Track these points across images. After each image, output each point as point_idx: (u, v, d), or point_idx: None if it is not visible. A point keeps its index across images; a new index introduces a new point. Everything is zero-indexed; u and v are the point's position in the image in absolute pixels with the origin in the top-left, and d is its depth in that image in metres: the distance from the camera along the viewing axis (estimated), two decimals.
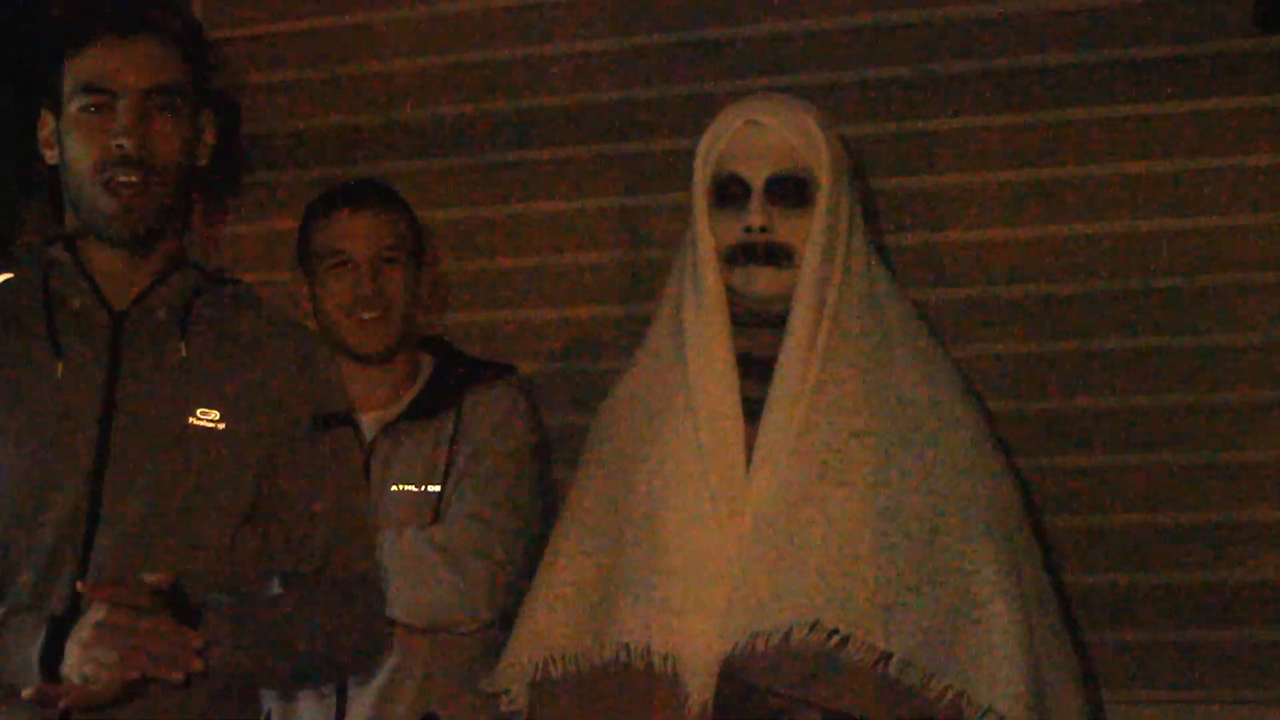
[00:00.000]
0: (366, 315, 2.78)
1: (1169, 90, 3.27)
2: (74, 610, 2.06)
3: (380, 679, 2.68)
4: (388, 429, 2.80)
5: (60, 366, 2.15)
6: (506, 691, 2.42)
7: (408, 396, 2.84)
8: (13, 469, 2.12)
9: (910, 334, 2.36)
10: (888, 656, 2.17)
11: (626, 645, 2.29)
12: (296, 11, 3.76)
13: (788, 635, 2.19)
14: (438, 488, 2.77)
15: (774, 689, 2.20)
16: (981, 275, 3.34)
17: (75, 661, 1.99)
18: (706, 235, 2.37)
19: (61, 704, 2.00)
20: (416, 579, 2.64)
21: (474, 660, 2.73)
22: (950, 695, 2.16)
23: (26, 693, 2.00)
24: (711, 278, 2.35)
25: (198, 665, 2.01)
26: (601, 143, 3.58)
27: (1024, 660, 2.19)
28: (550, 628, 2.38)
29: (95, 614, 1.99)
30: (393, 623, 2.63)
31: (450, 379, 2.86)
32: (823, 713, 2.19)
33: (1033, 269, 3.33)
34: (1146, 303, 3.27)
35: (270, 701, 2.64)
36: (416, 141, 3.68)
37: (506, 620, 2.61)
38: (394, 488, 2.76)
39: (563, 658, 2.36)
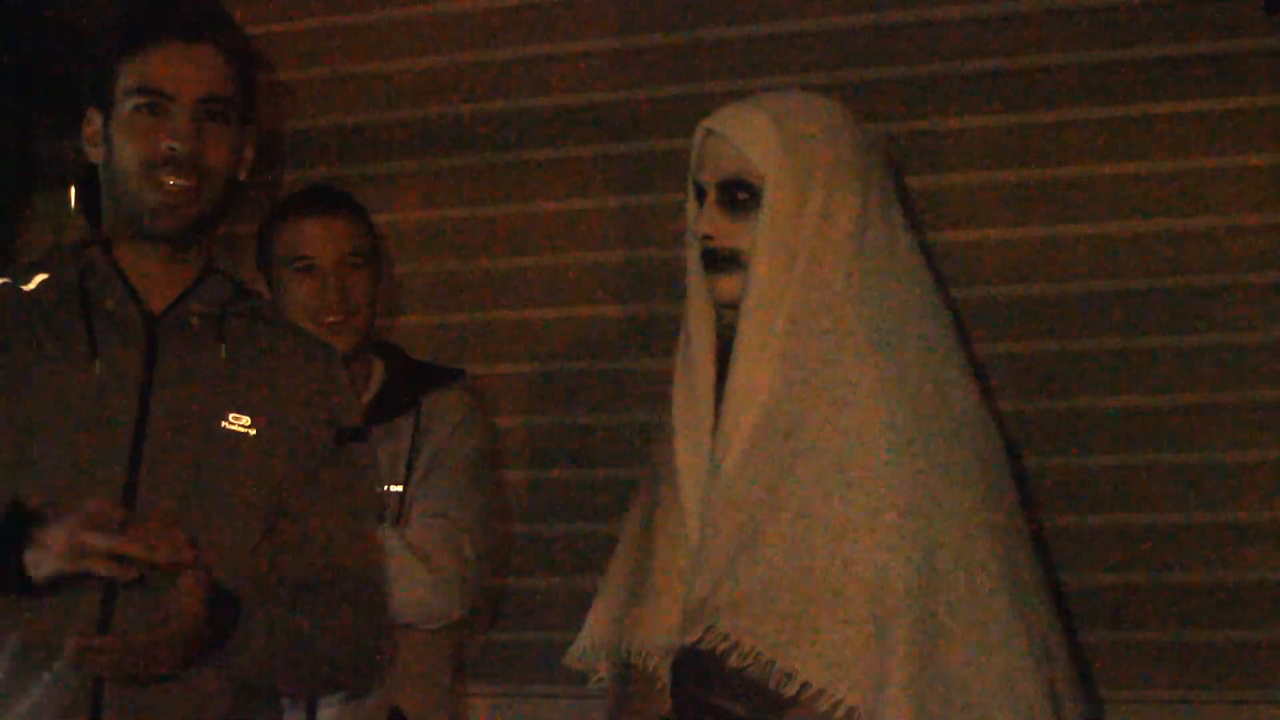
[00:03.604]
0: (331, 320, 2.80)
1: (1169, 90, 3.27)
2: (110, 598, 2.07)
3: None
4: None
5: (97, 366, 2.16)
6: (594, 670, 2.46)
7: (364, 399, 2.85)
8: (49, 467, 2.13)
9: (890, 336, 2.30)
10: (771, 665, 2.15)
11: (622, 636, 2.34)
12: (296, 11, 3.76)
13: (702, 637, 2.20)
14: (400, 488, 2.80)
15: (692, 689, 2.22)
16: (981, 275, 3.34)
17: (55, 549, 1.98)
18: (692, 241, 2.39)
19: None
20: (391, 578, 2.64)
21: (439, 656, 2.76)
22: (842, 711, 2.12)
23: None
24: (695, 281, 2.39)
25: (188, 555, 1.98)
26: (601, 143, 3.58)
27: (910, 679, 2.13)
28: (604, 617, 2.44)
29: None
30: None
31: (405, 382, 2.89)
32: (725, 716, 2.20)
33: (1033, 269, 3.34)
34: (1146, 303, 3.27)
35: None
36: (416, 141, 3.68)
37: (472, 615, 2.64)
38: None
39: (605, 648, 2.42)
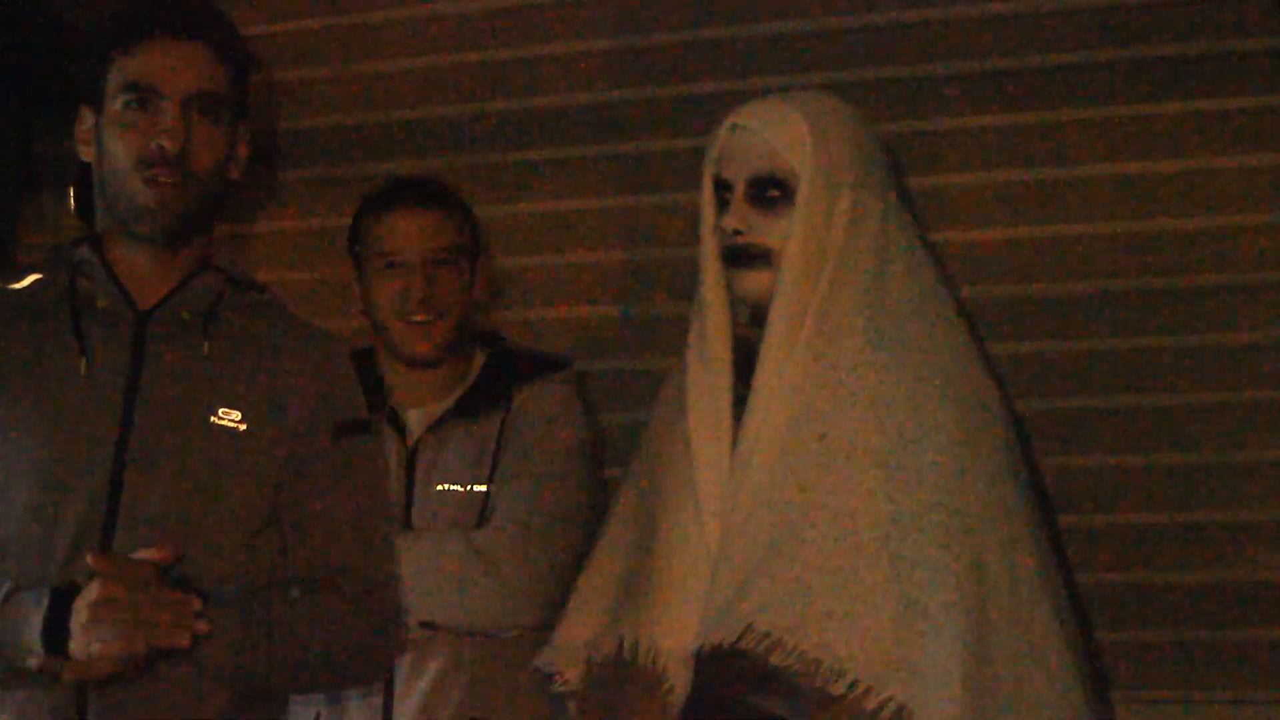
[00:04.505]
0: (418, 318, 2.73)
1: (1169, 90, 3.27)
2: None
3: (427, 682, 2.65)
4: (434, 427, 2.76)
5: (84, 363, 2.16)
6: (560, 673, 2.45)
7: (457, 393, 2.79)
8: (35, 464, 2.13)
9: (918, 335, 2.31)
10: (817, 664, 2.15)
11: (621, 639, 2.32)
12: (297, 11, 3.76)
13: (740, 637, 2.19)
14: (484, 488, 2.71)
15: (719, 688, 2.21)
16: (981, 275, 3.34)
17: (79, 642, 2.00)
18: (708, 237, 2.38)
19: (67, 676, 2.00)
20: (457, 584, 2.60)
21: (523, 664, 2.68)
22: (891, 708, 2.13)
23: (34, 663, 2.01)
24: (711, 278, 2.37)
25: (202, 627, 2.01)
26: (601, 143, 3.58)
27: (966, 676, 2.14)
28: (589, 618, 2.42)
29: (91, 592, 2.00)
30: (435, 627, 2.62)
31: (500, 376, 2.80)
32: (760, 715, 2.19)
33: (1033, 269, 3.33)
34: (1146, 303, 3.27)
35: (319, 704, 2.62)
36: (416, 141, 3.68)
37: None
38: (439, 487, 2.72)
39: (593, 649, 2.39)
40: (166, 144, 2.15)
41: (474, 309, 2.88)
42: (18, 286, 2.24)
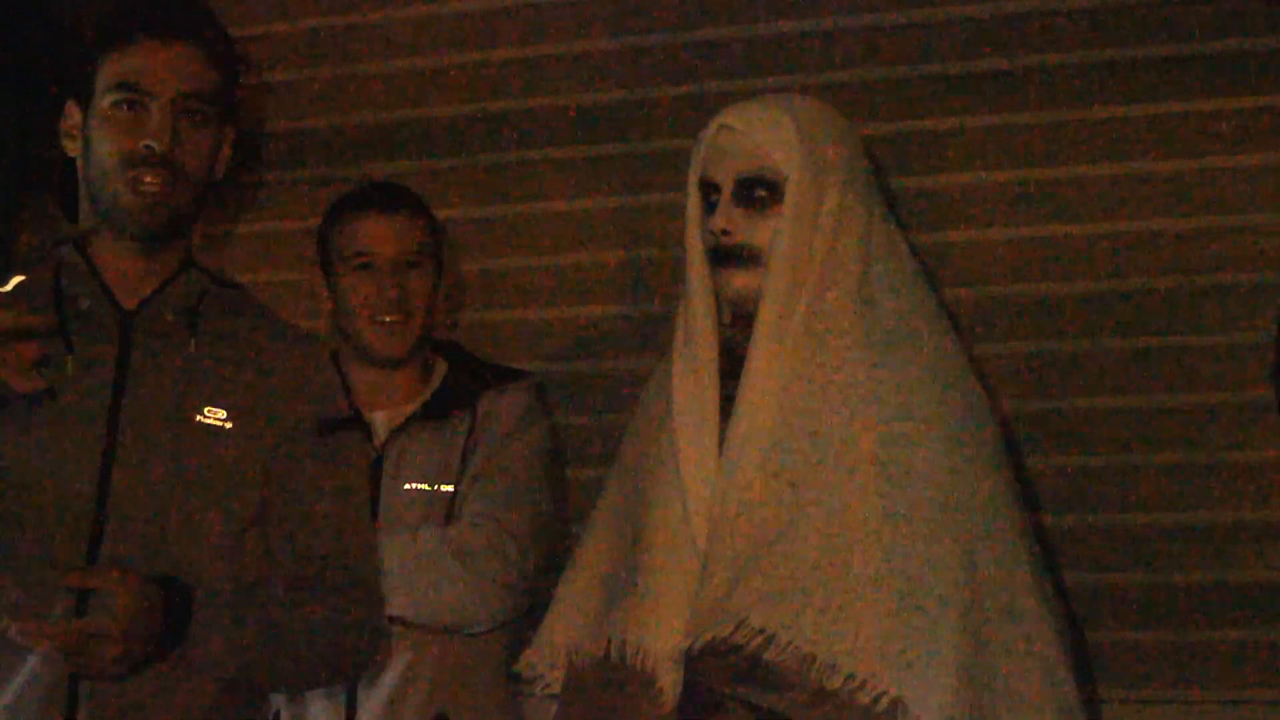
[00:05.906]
0: (388, 319, 2.79)
1: (1169, 90, 3.27)
2: (83, 602, 2.07)
3: (391, 679, 2.67)
4: (400, 428, 2.80)
5: (70, 364, 2.16)
6: (541, 676, 2.46)
7: (421, 397, 2.84)
8: (22, 465, 2.14)
9: (904, 334, 2.33)
10: (812, 659, 2.16)
11: (609, 640, 2.33)
12: (296, 11, 3.76)
13: (733, 632, 2.19)
14: (451, 487, 2.76)
15: (711, 685, 2.21)
16: (981, 275, 3.34)
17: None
18: (694, 238, 2.40)
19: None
20: (429, 579, 2.63)
21: (488, 661, 2.73)
22: (885, 702, 2.14)
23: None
24: (697, 279, 2.39)
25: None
26: (601, 143, 3.58)
27: (962, 669, 2.15)
28: (573, 619, 2.43)
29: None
30: (404, 623, 2.63)
31: (465, 381, 2.86)
32: (753, 711, 2.19)
33: (1033, 269, 3.33)
34: (1146, 303, 3.27)
35: (279, 702, 2.63)
36: (416, 141, 3.68)
37: (525, 620, 2.63)
38: (406, 486, 2.76)
39: (578, 650, 2.39)
40: (154, 145, 2.16)
41: (437, 313, 2.92)
42: (2, 290, 2.24)
